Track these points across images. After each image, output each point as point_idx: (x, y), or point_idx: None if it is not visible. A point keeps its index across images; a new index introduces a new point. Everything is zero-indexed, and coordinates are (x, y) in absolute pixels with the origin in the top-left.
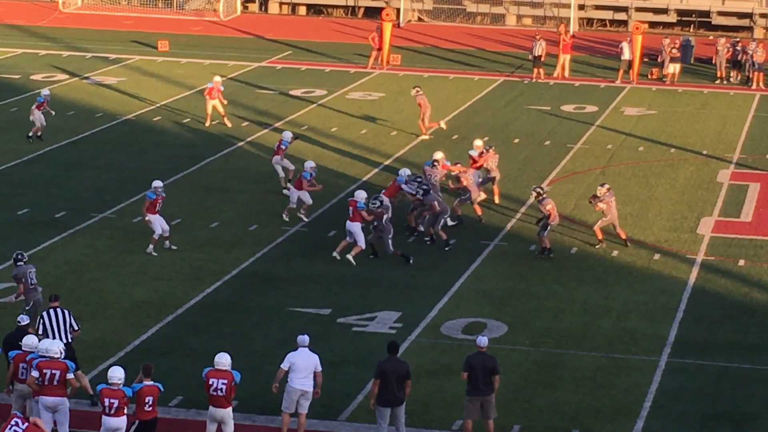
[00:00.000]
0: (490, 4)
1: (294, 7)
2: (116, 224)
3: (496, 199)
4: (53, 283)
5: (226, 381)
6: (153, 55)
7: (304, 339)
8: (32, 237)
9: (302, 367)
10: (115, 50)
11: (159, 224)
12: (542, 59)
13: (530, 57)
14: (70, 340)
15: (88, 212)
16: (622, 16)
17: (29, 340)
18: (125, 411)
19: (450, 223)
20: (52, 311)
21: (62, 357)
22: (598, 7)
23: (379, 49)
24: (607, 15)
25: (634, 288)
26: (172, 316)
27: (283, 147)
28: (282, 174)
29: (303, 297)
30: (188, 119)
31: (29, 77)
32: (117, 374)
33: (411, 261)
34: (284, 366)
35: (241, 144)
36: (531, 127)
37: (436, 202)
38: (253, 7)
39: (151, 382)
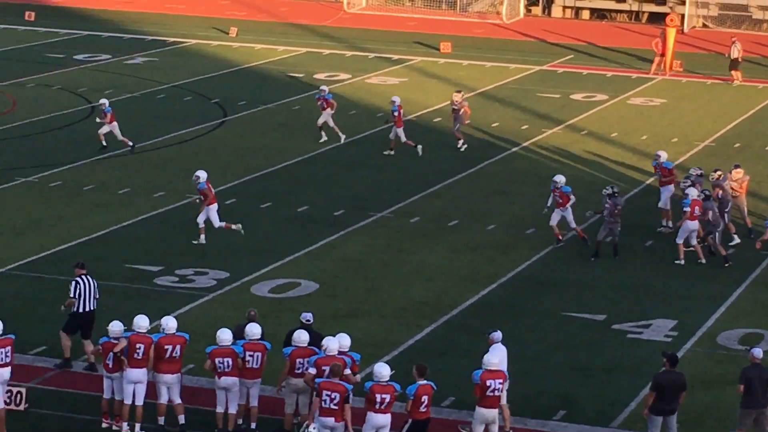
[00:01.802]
0: None
1: (577, 11)
2: (393, 224)
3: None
4: (329, 281)
5: (501, 381)
6: (435, 56)
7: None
8: (311, 234)
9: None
10: (398, 51)
11: None
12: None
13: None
14: (94, 308)
15: (366, 211)
16: None
17: (300, 336)
18: (391, 408)
19: (735, 241)
20: (80, 279)
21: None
22: None
23: (662, 55)
24: None
25: None
26: (447, 316)
27: None
28: None
29: (578, 302)
30: (468, 121)
31: (312, 76)
32: (384, 371)
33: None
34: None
35: (520, 147)
36: None
37: (711, 212)
38: (536, 10)
39: (425, 381)
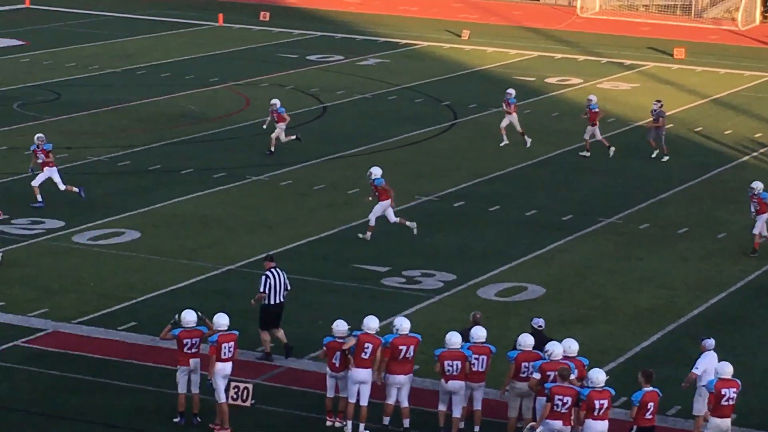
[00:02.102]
0: None
1: None
2: (622, 230)
3: None
4: (555, 284)
5: (735, 390)
6: (668, 62)
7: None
8: (539, 238)
9: None
10: (630, 56)
11: None
12: None
13: None
14: (283, 300)
15: (595, 216)
16: None
17: (526, 339)
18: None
19: None
20: (270, 272)
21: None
22: None
23: None
24: None
25: None
26: (674, 325)
27: None
28: None
29: None
30: (700, 128)
31: (544, 80)
32: (600, 377)
33: None
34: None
35: (753, 155)
36: None
37: None
38: None
39: (651, 388)
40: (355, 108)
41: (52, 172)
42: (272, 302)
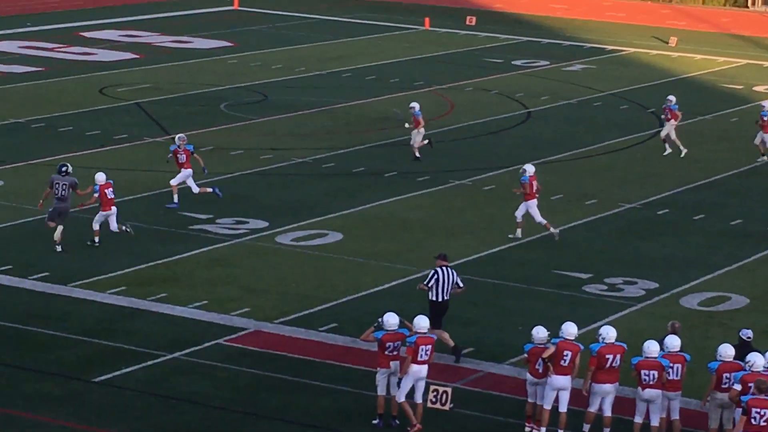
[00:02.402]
0: None
1: None
2: None
3: None
4: (762, 296)
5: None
6: None
7: None
8: (743, 248)
9: None
10: None
11: None
12: None
13: None
14: (448, 297)
15: None
16: None
17: (726, 350)
18: None
19: None
20: (440, 269)
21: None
22: None
23: None
24: None
25: None
26: None
27: None
28: None
29: None
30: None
31: (752, 88)
32: None
33: None
34: None
35: None
36: None
37: None
38: None
39: None
40: (560, 113)
41: (188, 174)
42: (439, 299)
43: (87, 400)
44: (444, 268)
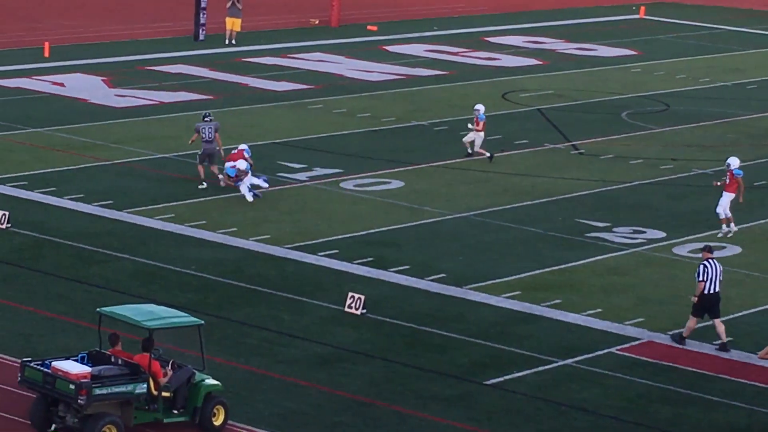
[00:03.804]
0: None
1: None
2: None
3: None
4: None
5: None
6: None
7: None
8: None
9: None
10: None
11: None
12: None
13: None
14: (718, 290)
15: None
16: None
17: None
18: None
19: None
20: (707, 261)
21: None
22: None
23: None
24: None
25: None
26: None
27: None
28: None
29: None
30: None
31: None
32: None
33: None
34: None
35: None
36: None
37: None
38: None
39: None
40: None
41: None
42: (709, 291)
43: (478, 402)
44: (711, 261)
